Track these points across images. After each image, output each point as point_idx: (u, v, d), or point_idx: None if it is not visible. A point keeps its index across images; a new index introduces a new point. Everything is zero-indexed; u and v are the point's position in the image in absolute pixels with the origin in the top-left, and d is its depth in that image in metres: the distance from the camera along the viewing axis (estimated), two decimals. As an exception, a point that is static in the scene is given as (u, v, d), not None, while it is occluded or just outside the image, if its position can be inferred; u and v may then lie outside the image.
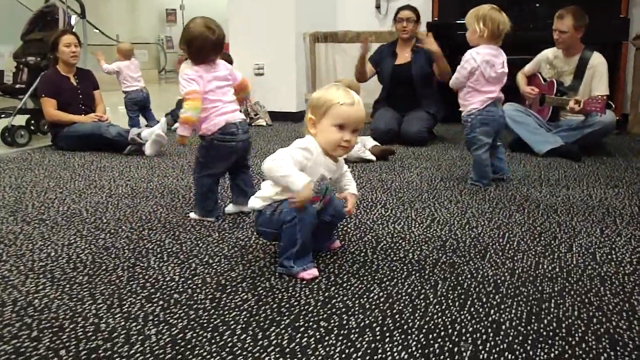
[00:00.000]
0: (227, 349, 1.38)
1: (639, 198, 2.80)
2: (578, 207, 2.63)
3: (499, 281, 1.79)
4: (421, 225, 2.38)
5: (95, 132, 4.25)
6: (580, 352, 1.36)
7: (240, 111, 2.55)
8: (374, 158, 3.72)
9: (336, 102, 1.80)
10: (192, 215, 2.54)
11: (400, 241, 2.18)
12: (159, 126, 4.03)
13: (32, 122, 4.93)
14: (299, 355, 1.35)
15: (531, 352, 1.36)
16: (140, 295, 1.71)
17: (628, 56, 5.17)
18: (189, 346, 1.40)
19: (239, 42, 6.02)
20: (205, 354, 1.36)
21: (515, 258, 1.99)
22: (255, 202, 1.93)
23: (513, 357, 1.34)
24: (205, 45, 2.41)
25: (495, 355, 1.35)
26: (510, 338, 1.43)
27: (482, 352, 1.36)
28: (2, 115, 4.58)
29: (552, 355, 1.35)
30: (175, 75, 9.15)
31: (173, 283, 1.80)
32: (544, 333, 1.45)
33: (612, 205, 2.66)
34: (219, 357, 1.35)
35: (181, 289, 1.74)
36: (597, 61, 3.97)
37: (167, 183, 3.19)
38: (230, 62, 5.92)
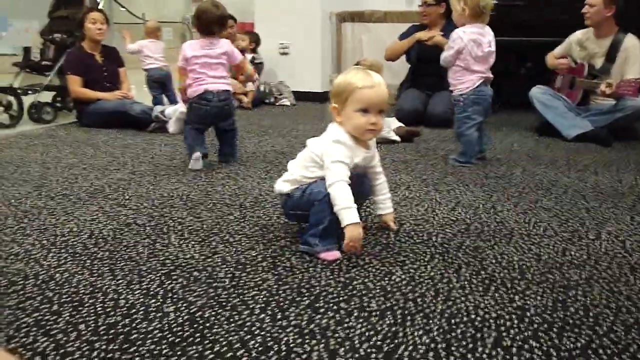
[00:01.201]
0: (246, 328, 1.37)
1: (671, 185, 2.72)
2: (607, 193, 2.56)
3: (524, 267, 1.75)
4: (445, 208, 2.34)
5: (119, 110, 4.27)
6: (608, 342, 1.32)
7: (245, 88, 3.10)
8: (398, 139, 3.67)
9: (356, 86, 1.77)
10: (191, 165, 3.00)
11: (423, 223, 2.14)
12: (182, 104, 4.02)
13: (59, 99, 4.96)
14: (318, 337, 1.33)
15: (557, 341, 1.32)
16: (160, 272, 1.70)
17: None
18: (207, 324, 1.39)
19: (265, 21, 5.99)
20: (223, 332, 1.35)
21: (542, 244, 1.94)
22: (283, 185, 1.92)
23: (537, 345, 1.30)
24: (210, 19, 2.95)
25: (519, 343, 1.31)
26: (535, 325, 1.39)
27: (506, 338, 1.33)
28: (29, 92, 4.61)
29: (578, 344, 1.31)
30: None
31: (193, 261, 1.78)
32: (570, 321, 1.41)
33: (643, 192, 2.59)
34: (237, 336, 1.33)
35: (201, 267, 1.73)
36: (631, 43, 3.85)
37: (189, 161, 3.18)
38: (258, 41, 5.90)
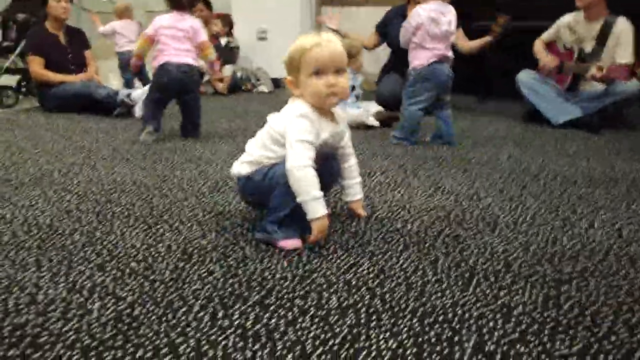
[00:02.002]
0: (179, 329, 1.14)
1: (667, 172, 2.53)
2: (599, 180, 2.37)
3: (510, 258, 1.53)
4: (424, 194, 2.12)
5: (84, 93, 4.03)
6: (610, 346, 1.11)
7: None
8: (377, 124, 3.47)
9: (304, 48, 1.55)
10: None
11: (398, 210, 1.92)
12: (148, 87, 3.78)
13: (24, 83, 4.70)
14: (263, 340, 1.10)
15: (548, 345, 1.11)
16: (92, 263, 1.47)
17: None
18: (134, 324, 1.16)
19: (242, 6, 5.74)
20: (151, 334, 1.12)
21: (530, 233, 1.73)
22: (241, 167, 1.68)
23: (527, 349, 1.09)
24: None
25: (505, 347, 1.09)
26: (524, 326, 1.17)
27: (489, 342, 1.11)
28: (-12, 75, 4.36)
29: (574, 348, 1.10)
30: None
31: (133, 250, 1.55)
32: (564, 321, 1.20)
33: (638, 179, 2.40)
34: (166, 338, 1.11)
35: (141, 257, 1.50)
36: (622, 27, 3.66)
37: (151, 145, 2.96)
38: (231, 25, 5.66)
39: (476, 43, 4.21)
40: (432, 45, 2.91)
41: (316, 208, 1.51)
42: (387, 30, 4.46)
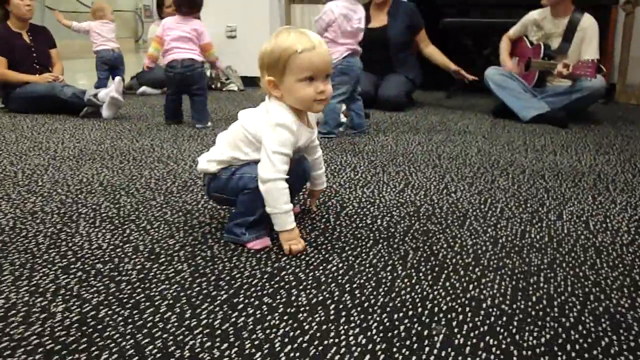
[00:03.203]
0: (145, 330, 1.12)
1: (631, 165, 2.57)
2: (567, 173, 2.39)
3: (479, 251, 1.54)
4: (393, 189, 2.12)
5: (49, 93, 3.93)
6: (577, 335, 1.12)
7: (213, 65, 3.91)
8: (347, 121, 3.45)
9: (294, 50, 1.45)
10: None
11: (368, 206, 1.92)
12: (113, 87, 3.73)
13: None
14: (231, 339, 1.09)
15: (517, 336, 1.11)
16: (56, 265, 1.44)
17: (617, 22, 4.92)
18: (100, 326, 1.13)
19: (211, 3, 5.67)
20: (116, 336, 1.10)
21: (499, 226, 1.74)
22: (208, 165, 1.63)
23: (496, 342, 1.09)
24: (179, 0, 3.46)
25: (474, 340, 1.10)
26: (493, 319, 1.18)
27: (458, 335, 1.11)
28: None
29: (542, 339, 1.10)
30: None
31: (99, 251, 1.52)
32: (533, 313, 1.20)
33: (604, 172, 2.43)
34: (132, 340, 1.09)
35: (107, 258, 1.47)
36: (588, 23, 3.71)
37: (119, 145, 2.90)
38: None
39: (441, 62, 4.36)
40: (344, 40, 3.04)
41: (286, 221, 1.50)
42: None
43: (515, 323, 1.16)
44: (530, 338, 1.10)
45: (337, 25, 3.01)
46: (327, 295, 1.27)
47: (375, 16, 4.38)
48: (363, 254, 1.51)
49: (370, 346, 1.07)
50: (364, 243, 1.59)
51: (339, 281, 1.34)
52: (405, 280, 1.36)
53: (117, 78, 3.85)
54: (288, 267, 1.42)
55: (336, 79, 3.00)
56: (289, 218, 1.50)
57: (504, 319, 1.18)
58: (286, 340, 1.09)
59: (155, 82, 5.09)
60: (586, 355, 1.06)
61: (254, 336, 1.10)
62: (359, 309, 1.21)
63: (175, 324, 1.15)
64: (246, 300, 1.24)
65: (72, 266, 1.43)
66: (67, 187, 2.14)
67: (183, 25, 3.42)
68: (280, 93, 1.51)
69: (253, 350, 1.05)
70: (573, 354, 1.06)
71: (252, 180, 1.52)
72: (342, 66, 3.05)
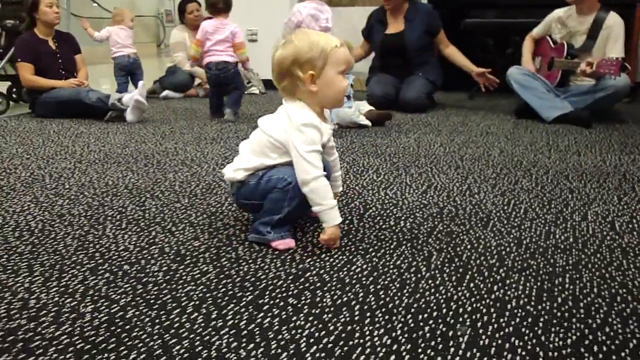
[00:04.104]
0: (172, 331, 1.14)
1: (658, 165, 2.54)
2: (591, 174, 2.37)
3: (503, 253, 1.53)
4: (416, 191, 2.12)
5: (74, 98, 3.99)
6: (604, 337, 1.11)
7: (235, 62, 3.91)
8: (369, 123, 3.45)
9: (332, 46, 1.53)
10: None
11: (391, 208, 1.92)
12: (137, 92, 3.78)
13: (14, 89, 4.68)
14: (257, 339, 1.10)
15: (543, 337, 1.11)
16: (85, 266, 1.46)
17: (642, 20, 4.86)
18: (128, 327, 1.16)
19: (232, 7, 5.72)
20: (144, 336, 1.12)
21: (523, 227, 1.74)
22: (235, 174, 1.65)
23: (521, 343, 1.09)
24: (209, 2, 3.77)
25: (499, 341, 1.10)
26: (518, 320, 1.17)
27: (483, 336, 1.11)
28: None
29: (568, 341, 1.10)
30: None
31: (126, 253, 1.55)
32: (558, 314, 1.20)
33: (629, 172, 2.40)
34: (160, 340, 1.10)
35: (133, 260, 1.50)
36: (614, 21, 3.67)
37: (143, 149, 2.94)
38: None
39: (461, 62, 4.30)
40: None
41: (334, 216, 1.53)
42: (370, 36, 4.52)
43: (540, 324, 1.16)
44: (557, 339, 1.10)
45: (305, 25, 3.16)
46: (352, 297, 1.28)
47: (392, 22, 4.38)
48: (387, 256, 1.51)
49: (395, 347, 1.08)
50: (387, 244, 1.59)
51: (363, 282, 1.35)
52: (430, 281, 1.36)
53: (141, 82, 3.91)
54: (312, 268, 1.43)
55: None
56: (337, 212, 1.54)
57: (530, 320, 1.17)
58: (311, 340, 1.10)
59: (177, 86, 5.14)
60: (614, 357, 1.05)
61: (280, 337, 1.11)
62: (383, 309, 1.22)
63: (202, 324, 1.16)
64: (271, 301, 1.26)
65: (100, 267, 1.46)
66: (94, 190, 2.17)
67: (221, 28, 3.73)
68: (317, 88, 1.55)
69: (279, 350, 1.07)
70: (600, 356, 1.05)
71: (280, 180, 1.56)
72: None
